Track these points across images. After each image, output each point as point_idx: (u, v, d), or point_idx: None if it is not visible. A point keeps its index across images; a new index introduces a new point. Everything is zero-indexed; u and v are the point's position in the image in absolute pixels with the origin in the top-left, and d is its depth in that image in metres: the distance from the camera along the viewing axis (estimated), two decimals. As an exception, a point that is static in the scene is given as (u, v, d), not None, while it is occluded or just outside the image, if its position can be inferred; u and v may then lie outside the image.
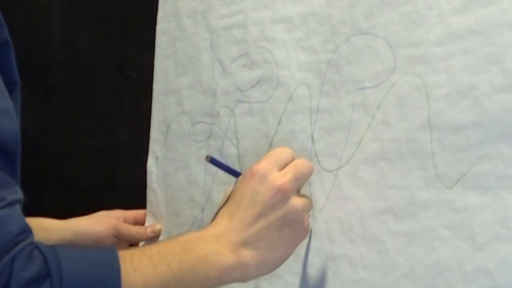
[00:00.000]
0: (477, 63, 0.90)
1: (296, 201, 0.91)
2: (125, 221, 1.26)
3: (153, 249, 0.82)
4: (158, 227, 1.26)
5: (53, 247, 0.73)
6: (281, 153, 0.94)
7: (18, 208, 0.73)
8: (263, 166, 0.90)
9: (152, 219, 1.34)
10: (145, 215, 1.31)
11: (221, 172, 1.19)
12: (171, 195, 1.29)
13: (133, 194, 1.36)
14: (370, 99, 1.01)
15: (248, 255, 0.86)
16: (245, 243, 0.86)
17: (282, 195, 0.89)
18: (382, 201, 0.98)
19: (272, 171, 0.90)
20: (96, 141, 1.52)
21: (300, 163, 0.94)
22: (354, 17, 1.04)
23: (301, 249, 1.06)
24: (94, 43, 1.52)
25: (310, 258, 1.06)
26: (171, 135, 1.31)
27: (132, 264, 0.77)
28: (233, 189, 0.92)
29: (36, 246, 0.72)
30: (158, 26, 1.35)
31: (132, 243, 1.27)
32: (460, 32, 0.92)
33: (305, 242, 1.04)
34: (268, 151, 1.13)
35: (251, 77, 1.18)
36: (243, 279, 0.89)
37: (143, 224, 1.31)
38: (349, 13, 1.05)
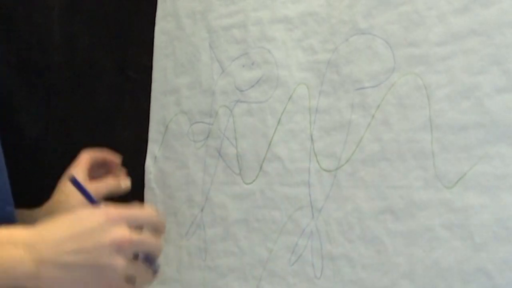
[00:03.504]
0: (478, 64, 0.90)
1: (120, 264, 0.86)
2: (94, 167, 1.23)
3: None
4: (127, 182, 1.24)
5: None
6: (146, 215, 0.93)
7: None
8: (120, 214, 0.88)
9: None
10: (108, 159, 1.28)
11: (220, 172, 1.19)
12: (169, 195, 1.29)
13: (132, 194, 1.36)
14: (369, 99, 1.01)
15: (48, 274, 0.83)
16: (53, 265, 0.83)
17: (116, 248, 0.85)
18: (381, 201, 0.98)
19: (123, 223, 0.87)
20: (96, 141, 1.51)
21: (151, 238, 0.91)
22: (353, 17, 1.04)
23: (301, 249, 1.06)
24: (94, 43, 1.51)
25: (310, 258, 1.06)
26: (169, 134, 1.31)
27: None
28: (81, 209, 0.91)
29: None
30: (157, 25, 1.34)
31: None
32: (461, 32, 0.92)
33: (304, 242, 1.04)
34: (267, 151, 1.13)
35: (251, 77, 1.18)
36: (24, 284, 0.85)
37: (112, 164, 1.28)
38: (348, 13, 1.05)
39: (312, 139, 1.08)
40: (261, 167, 1.14)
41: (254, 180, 1.15)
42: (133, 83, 1.45)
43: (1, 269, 0.82)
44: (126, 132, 1.46)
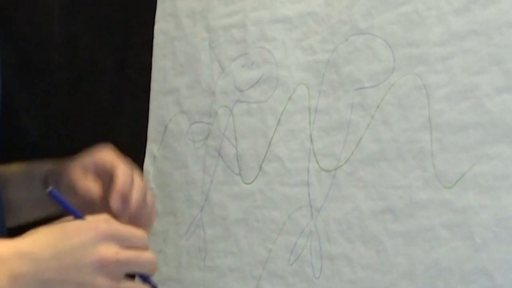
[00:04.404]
0: (478, 64, 0.90)
1: (103, 285, 0.80)
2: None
3: None
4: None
5: None
6: (138, 235, 0.84)
7: None
8: (110, 231, 0.81)
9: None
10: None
11: (219, 172, 1.19)
12: (168, 194, 1.29)
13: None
14: (369, 99, 1.01)
15: None
16: (28, 281, 0.78)
17: (101, 269, 0.80)
18: (381, 201, 0.98)
19: (113, 241, 0.81)
20: (96, 141, 1.51)
21: (143, 258, 0.83)
22: (352, 17, 1.04)
23: (300, 249, 1.06)
24: (94, 43, 1.51)
25: (309, 258, 1.05)
26: (169, 134, 1.31)
27: None
28: (65, 222, 0.83)
29: None
30: (157, 25, 1.34)
31: None
32: (460, 32, 0.92)
33: (304, 242, 1.04)
34: (267, 151, 1.13)
35: (250, 77, 1.18)
36: None
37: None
38: (347, 13, 1.05)
39: (311, 139, 1.08)
40: (260, 167, 1.14)
41: (253, 180, 1.15)
42: (133, 83, 1.45)
43: None
44: (125, 132, 1.46)
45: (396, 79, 0.99)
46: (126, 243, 0.82)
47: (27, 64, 1.51)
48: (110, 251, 0.80)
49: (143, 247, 0.84)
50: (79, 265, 0.79)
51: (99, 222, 0.82)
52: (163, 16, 1.34)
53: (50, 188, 0.83)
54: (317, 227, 1.05)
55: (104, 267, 0.79)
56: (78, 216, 0.84)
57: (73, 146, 1.56)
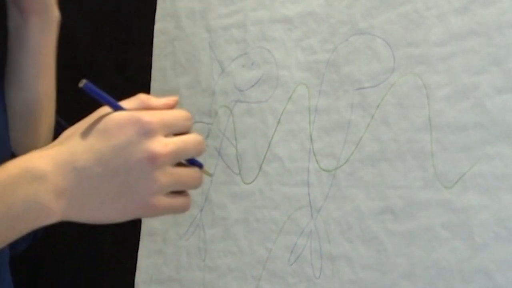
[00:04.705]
0: (478, 64, 0.90)
1: (161, 190, 0.75)
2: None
3: None
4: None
5: None
6: (180, 118, 0.77)
7: None
8: (154, 122, 0.73)
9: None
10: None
11: (220, 172, 1.19)
12: (168, 195, 1.29)
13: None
14: (369, 99, 1.01)
15: (70, 206, 0.72)
16: (73, 191, 0.71)
17: (151, 165, 0.73)
18: (381, 201, 0.98)
19: (159, 132, 0.74)
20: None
21: (191, 142, 0.77)
22: (352, 17, 1.04)
23: (300, 249, 1.06)
24: (94, 43, 1.51)
25: (309, 258, 1.05)
26: (169, 134, 1.31)
27: None
28: (102, 119, 0.74)
29: None
30: (156, 25, 1.35)
31: None
32: (460, 32, 0.92)
33: (304, 242, 1.04)
34: (267, 151, 1.13)
35: (251, 77, 1.18)
36: (48, 223, 0.73)
37: None
38: (347, 13, 1.04)
39: (311, 139, 1.08)
40: (260, 167, 1.14)
41: (253, 180, 1.15)
42: (133, 83, 1.45)
43: (15, 215, 0.70)
44: (126, 132, 1.46)
45: (396, 79, 0.99)
46: (170, 130, 0.75)
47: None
48: (158, 145, 0.72)
49: (187, 129, 0.76)
50: (128, 167, 0.72)
51: (139, 116, 0.73)
52: (163, 16, 1.34)
53: (84, 81, 0.73)
54: (317, 227, 1.05)
55: (155, 163, 0.72)
56: (118, 107, 0.75)
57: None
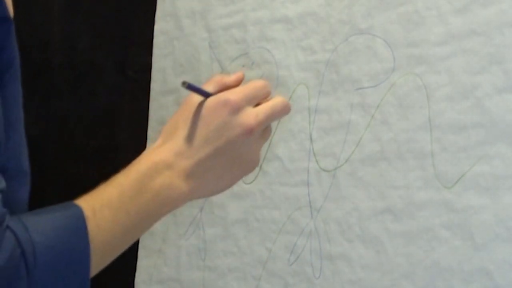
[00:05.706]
0: (478, 64, 0.90)
1: (259, 145, 0.87)
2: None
3: (112, 192, 0.79)
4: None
5: (20, 221, 0.73)
6: (260, 88, 0.87)
7: None
8: (239, 99, 0.84)
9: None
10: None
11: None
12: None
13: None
14: (369, 99, 1.01)
15: (196, 184, 0.83)
16: (194, 172, 0.82)
17: (249, 136, 0.84)
18: (380, 201, 0.98)
19: (247, 107, 0.84)
20: (96, 141, 1.51)
21: (277, 105, 0.87)
22: (352, 17, 1.04)
23: (300, 249, 1.05)
24: (94, 43, 1.52)
25: (309, 258, 1.05)
26: (169, 134, 1.31)
27: (95, 219, 0.76)
28: (196, 110, 0.84)
29: (7, 226, 0.71)
30: (156, 25, 1.35)
31: None
32: (460, 32, 0.92)
33: (303, 242, 1.04)
34: (267, 151, 1.13)
35: (251, 77, 1.17)
36: (181, 205, 0.85)
37: None
38: (347, 13, 1.04)
39: (311, 139, 1.08)
40: (260, 167, 1.14)
41: (253, 180, 1.15)
42: (133, 83, 1.45)
43: (161, 202, 0.81)
44: (126, 132, 1.46)
45: (396, 79, 0.99)
46: (255, 100, 0.84)
47: (27, 63, 1.51)
48: (250, 117, 0.82)
49: (268, 94, 0.86)
50: (231, 143, 0.82)
51: (226, 97, 0.83)
52: (163, 16, 1.34)
53: (186, 82, 0.83)
54: (317, 227, 1.05)
55: (252, 133, 0.82)
56: (208, 94, 0.85)
57: (73, 146, 1.57)
